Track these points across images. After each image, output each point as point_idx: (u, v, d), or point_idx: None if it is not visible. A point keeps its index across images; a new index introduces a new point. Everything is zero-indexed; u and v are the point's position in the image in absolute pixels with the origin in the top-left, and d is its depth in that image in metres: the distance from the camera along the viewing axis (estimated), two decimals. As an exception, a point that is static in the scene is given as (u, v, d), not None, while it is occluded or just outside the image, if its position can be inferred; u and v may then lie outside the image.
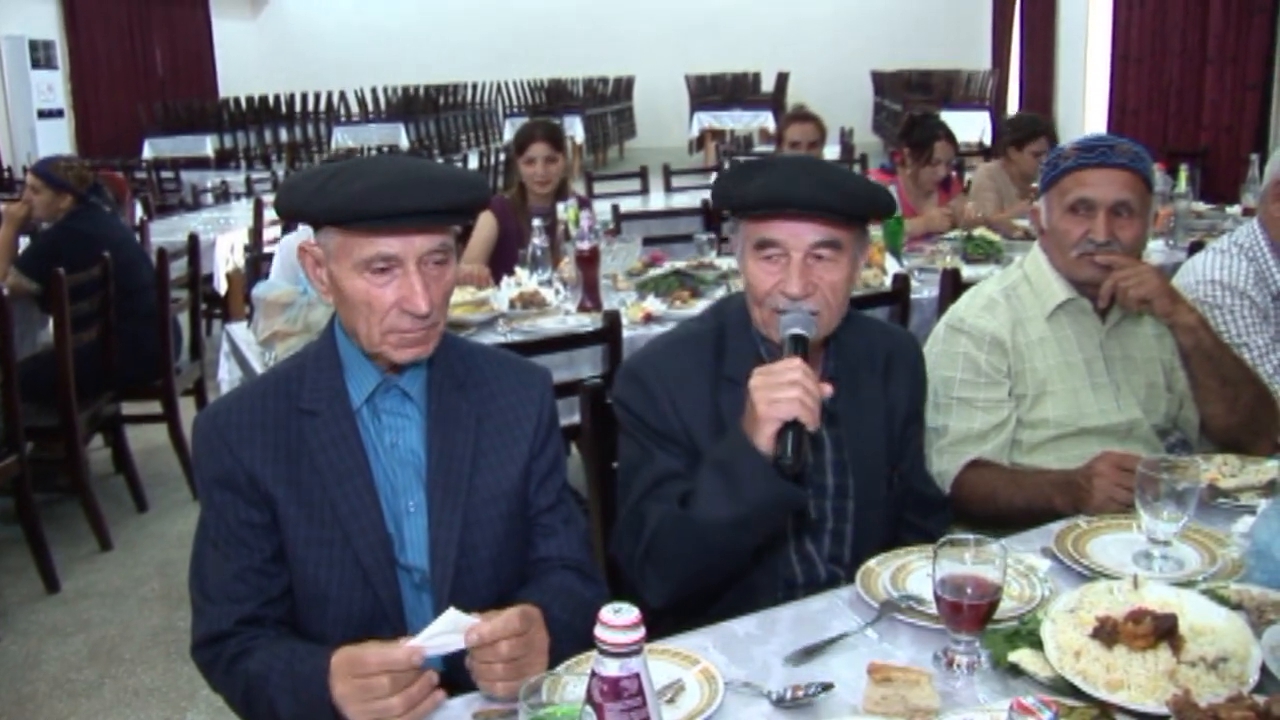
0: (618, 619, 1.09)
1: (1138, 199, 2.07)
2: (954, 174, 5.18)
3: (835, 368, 1.83)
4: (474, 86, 16.76)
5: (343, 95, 15.62)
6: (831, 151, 7.24)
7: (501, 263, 4.10)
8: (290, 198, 1.53)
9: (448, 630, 1.36)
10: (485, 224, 4.21)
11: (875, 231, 3.97)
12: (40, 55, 13.71)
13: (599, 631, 1.09)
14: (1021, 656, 1.34)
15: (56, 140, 13.25)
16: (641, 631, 1.09)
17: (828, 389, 1.58)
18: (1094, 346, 2.16)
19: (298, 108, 15.40)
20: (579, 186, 5.85)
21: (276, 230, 5.62)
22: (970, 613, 1.36)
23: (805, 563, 1.81)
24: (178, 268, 4.54)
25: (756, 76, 16.43)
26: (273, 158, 14.05)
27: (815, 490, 1.81)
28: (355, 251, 1.50)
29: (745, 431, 1.57)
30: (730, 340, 1.81)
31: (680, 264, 3.90)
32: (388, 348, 1.54)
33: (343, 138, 14.71)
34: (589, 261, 3.44)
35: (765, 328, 1.74)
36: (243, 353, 3.33)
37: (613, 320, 3.02)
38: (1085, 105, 12.09)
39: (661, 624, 1.53)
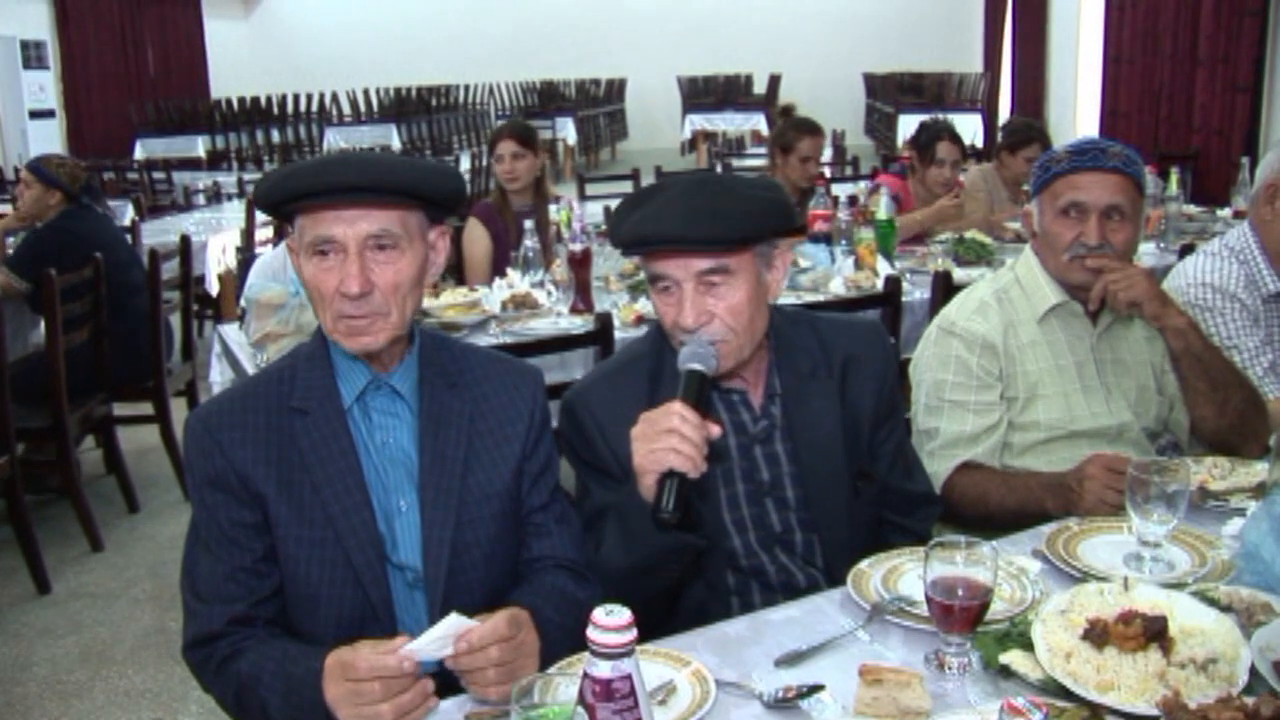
0: (610, 620, 1.09)
1: (1130, 202, 2.07)
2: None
3: (782, 380, 1.80)
4: (466, 88, 16.74)
5: (335, 96, 15.58)
6: (823, 154, 7.23)
7: (493, 265, 4.11)
8: (259, 186, 1.56)
9: (448, 634, 1.36)
10: (477, 236, 4.22)
11: (866, 232, 3.98)
12: (32, 55, 13.68)
13: (591, 633, 1.09)
14: (1012, 658, 1.35)
15: (48, 140, 13.19)
16: (633, 633, 1.10)
17: (715, 430, 1.51)
18: (1085, 350, 2.16)
19: (290, 108, 15.33)
20: (571, 187, 5.85)
21: (269, 231, 5.61)
22: (961, 614, 1.37)
23: (783, 573, 1.80)
24: (169, 269, 4.53)
25: (749, 78, 16.44)
26: (265, 158, 13.99)
27: (777, 504, 1.79)
28: (307, 234, 1.52)
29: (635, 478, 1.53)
30: (668, 364, 1.74)
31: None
32: (339, 336, 1.54)
33: (335, 139, 14.67)
34: (581, 263, 3.45)
35: None
36: (234, 354, 3.33)
37: (605, 322, 3.02)
38: (1077, 108, 12.14)
39: (653, 625, 1.53)
